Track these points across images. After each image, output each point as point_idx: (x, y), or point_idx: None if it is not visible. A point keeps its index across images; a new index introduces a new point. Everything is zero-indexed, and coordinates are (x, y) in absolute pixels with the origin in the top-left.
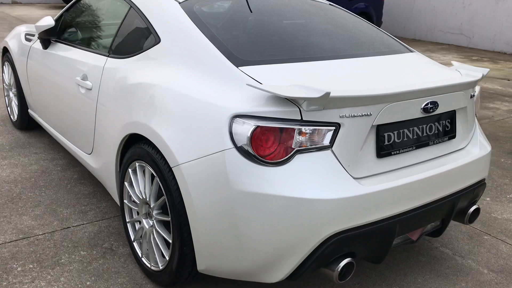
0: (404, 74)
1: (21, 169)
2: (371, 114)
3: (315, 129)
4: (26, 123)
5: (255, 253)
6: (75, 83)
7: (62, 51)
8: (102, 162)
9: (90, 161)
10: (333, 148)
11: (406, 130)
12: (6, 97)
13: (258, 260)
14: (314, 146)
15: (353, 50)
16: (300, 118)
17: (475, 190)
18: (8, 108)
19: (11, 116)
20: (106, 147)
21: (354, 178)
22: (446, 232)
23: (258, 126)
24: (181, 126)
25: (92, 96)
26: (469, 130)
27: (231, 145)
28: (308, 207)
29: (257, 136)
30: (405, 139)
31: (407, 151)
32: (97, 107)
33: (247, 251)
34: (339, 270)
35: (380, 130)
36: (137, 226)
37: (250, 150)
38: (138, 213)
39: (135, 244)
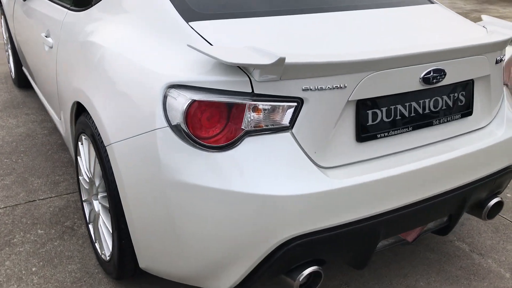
0: (406, 32)
1: (6, 131)
2: (345, 87)
3: (270, 105)
4: (23, 80)
5: (196, 255)
6: (41, 40)
7: (38, 2)
8: (65, 130)
9: (60, 127)
10: (293, 130)
11: (399, 107)
12: (6, 52)
13: (201, 264)
14: (268, 127)
15: (346, 1)
16: (250, 90)
17: (497, 180)
18: (9, 64)
19: (11, 73)
20: (65, 114)
21: (324, 168)
22: (467, 223)
23: (195, 100)
24: (117, 97)
25: (53, 55)
26: (493, 105)
27: (164, 123)
28: (258, 205)
29: (194, 112)
30: (398, 117)
31: (401, 133)
32: (57, 68)
33: (187, 252)
34: (300, 280)
35: (361, 106)
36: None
37: (186, 130)
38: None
39: (90, 226)
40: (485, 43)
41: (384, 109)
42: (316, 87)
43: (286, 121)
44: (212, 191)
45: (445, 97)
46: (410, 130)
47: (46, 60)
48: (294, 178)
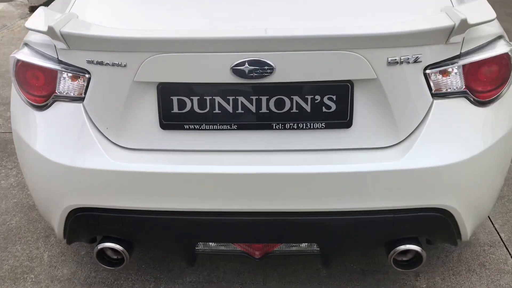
0: (254, 10)
1: None
2: (125, 66)
3: (68, 74)
4: None
5: (35, 199)
6: None
7: None
8: None
9: None
10: (84, 102)
11: (218, 99)
12: None
13: (39, 205)
14: (69, 96)
15: None
16: (56, 56)
17: (397, 220)
18: None
19: None
20: None
21: (119, 147)
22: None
23: (19, 60)
24: None
25: None
26: (401, 121)
27: None
28: (46, 168)
29: (18, 70)
30: (217, 111)
31: (219, 130)
32: None
33: (32, 193)
34: (99, 248)
35: (164, 91)
36: None
37: (17, 85)
38: None
39: None
40: (341, 35)
41: (195, 99)
42: (97, 61)
43: (80, 92)
44: (26, 146)
45: (296, 98)
46: (235, 129)
47: None
48: (73, 149)
